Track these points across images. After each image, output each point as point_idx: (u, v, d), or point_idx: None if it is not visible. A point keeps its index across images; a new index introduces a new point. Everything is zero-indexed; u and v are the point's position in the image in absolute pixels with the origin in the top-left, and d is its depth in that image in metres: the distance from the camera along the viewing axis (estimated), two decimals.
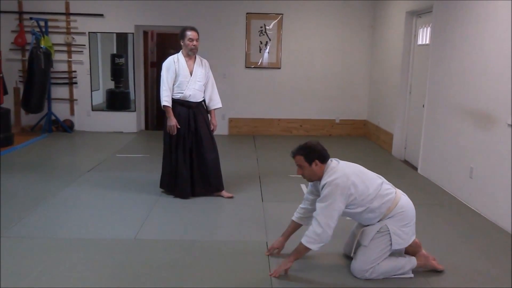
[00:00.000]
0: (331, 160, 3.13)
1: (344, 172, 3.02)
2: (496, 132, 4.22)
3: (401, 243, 3.06)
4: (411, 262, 3.14)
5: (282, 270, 3.06)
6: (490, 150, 4.32)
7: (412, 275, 3.11)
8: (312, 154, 3.06)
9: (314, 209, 3.12)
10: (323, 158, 3.09)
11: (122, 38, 8.28)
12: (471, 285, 3.06)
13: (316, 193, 3.21)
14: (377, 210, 3.03)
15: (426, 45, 6.01)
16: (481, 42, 4.53)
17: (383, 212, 3.04)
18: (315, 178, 3.13)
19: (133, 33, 8.13)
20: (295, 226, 3.40)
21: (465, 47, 4.85)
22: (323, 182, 3.02)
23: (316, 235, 2.96)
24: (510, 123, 4.00)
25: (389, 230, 3.03)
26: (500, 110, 4.17)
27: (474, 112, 4.62)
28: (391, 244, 3.03)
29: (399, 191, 3.18)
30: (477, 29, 4.62)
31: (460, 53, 4.95)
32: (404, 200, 3.12)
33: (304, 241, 3.00)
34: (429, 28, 5.94)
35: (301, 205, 3.39)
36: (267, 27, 8.18)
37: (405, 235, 3.07)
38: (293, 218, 3.40)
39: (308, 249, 3.01)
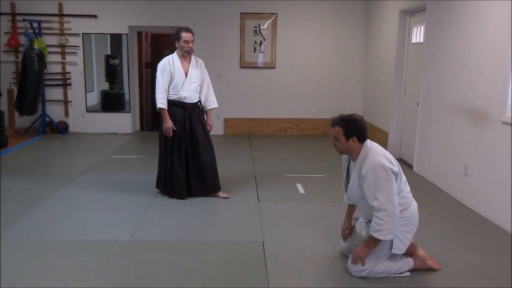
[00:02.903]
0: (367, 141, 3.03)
1: (382, 153, 2.95)
2: (490, 130, 4.24)
3: (402, 249, 3.04)
4: (408, 263, 3.14)
5: (363, 259, 2.99)
6: (485, 147, 4.34)
7: (408, 274, 3.12)
8: (352, 130, 2.95)
9: None
10: (363, 137, 2.98)
11: (116, 39, 8.25)
12: (468, 283, 3.06)
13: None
14: None
15: (420, 43, 6.03)
16: (475, 39, 4.55)
17: None
18: (347, 153, 3.06)
19: (127, 34, 8.11)
20: (352, 208, 3.37)
21: (459, 45, 4.87)
22: (365, 167, 2.90)
23: (388, 224, 2.86)
24: (503, 121, 4.02)
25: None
26: (493, 108, 4.18)
27: (468, 109, 4.64)
28: (390, 248, 3.02)
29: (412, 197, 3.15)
30: (471, 27, 4.64)
31: (454, 51, 4.96)
32: (414, 206, 3.09)
33: (379, 236, 2.89)
34: (422, 26, 5.96)
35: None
36: (261, 27, 8.18)
37: (407, 241, 3.06)
38: (345, 200, 3.35)
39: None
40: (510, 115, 3.96)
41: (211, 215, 4.34)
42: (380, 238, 2.91)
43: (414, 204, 3.10)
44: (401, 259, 3.14)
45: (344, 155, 3.23)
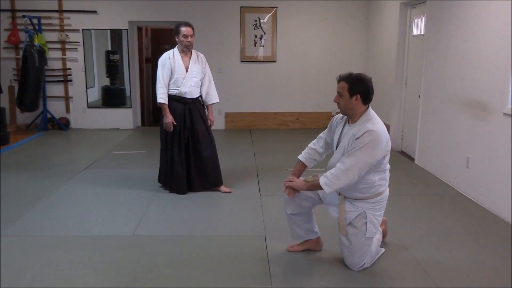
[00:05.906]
0: (371, 108, 2.91)
1: (384, 127, 2.86)
2: (492, 122, 4.23)
3: (374, 232, 3.02)
4: (380, 230, 3.21)
5: (291, 188, 3.02)
6: (486, 139, 4.33)
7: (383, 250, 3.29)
8: (357, 87, 2.85)
9: (322, 154, 3.13)
10: (367, 97, 2.87)
11: (116, 35, 8.24)
12: (469, 274, 3.07)
13: (331, 137, 3.09)
14: (372, 186, 2.91)
15: (421, 35, 6.01)
16: (476, 31, 4.53)
17: (374, 192, 2.93)
18: (348, 113, 2.91)
19: (127, 29, 8.09)
20: (302, 167, 3.20)
21: (460, 37, 4.85)
22: (363, 129, 2.78)
23: (336, 179, 2.79)
24: (505, 112, 4.01)
25: (366, 219, 2.94)
26: (495, 100, 4.17)
27: (470, 101, 4.63)
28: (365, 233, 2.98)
29: None
30: (472, 18, 4.61)
31: (455, 43, 4.94)
32: (387, 192, 3.05)
33: (322, 180, 2.84)
34: (423, 18, 5.93)
35: (310, 145, 3.21)
36: (261, 21, 8.15)
37: (378, 224, 3.04)
38: (300, 157, 3.19)
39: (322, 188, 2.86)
40: (511, 107, 3.95)
41: (213, 209, 4.35)
42: (321, 184, 2.84)
43: (387, 190, 3.04)
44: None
45: (337, 118, 3.12)
